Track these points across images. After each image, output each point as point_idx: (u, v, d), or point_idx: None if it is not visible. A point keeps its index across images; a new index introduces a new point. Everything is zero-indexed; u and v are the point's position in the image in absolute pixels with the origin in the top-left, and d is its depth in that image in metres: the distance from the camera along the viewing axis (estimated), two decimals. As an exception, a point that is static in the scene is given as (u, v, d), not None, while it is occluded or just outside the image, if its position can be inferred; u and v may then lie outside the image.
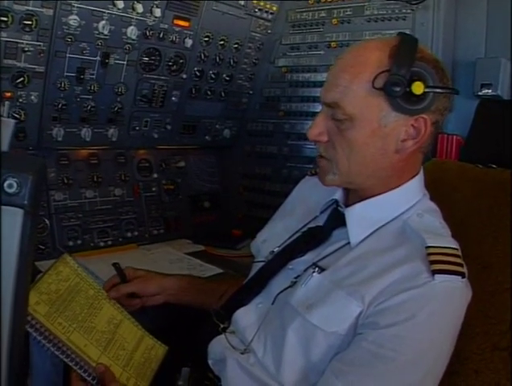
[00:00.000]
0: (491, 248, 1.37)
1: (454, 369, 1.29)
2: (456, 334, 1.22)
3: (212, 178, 2.99)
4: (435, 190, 1.38)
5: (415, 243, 1.24)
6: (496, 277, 1.31)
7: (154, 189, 2.69)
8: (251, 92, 2.86)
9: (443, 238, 1.25)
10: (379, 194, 1.33)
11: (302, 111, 2.67)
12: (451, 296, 1.18)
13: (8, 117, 2.00)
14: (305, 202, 1.59)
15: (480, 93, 2.15)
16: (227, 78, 2.70)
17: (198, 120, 2.74)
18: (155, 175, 2.70)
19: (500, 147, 1.70)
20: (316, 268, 1.32)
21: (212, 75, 2.63)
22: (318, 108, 2.56)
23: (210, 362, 1.43)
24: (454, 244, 1.25)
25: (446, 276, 1.16)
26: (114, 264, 1.73)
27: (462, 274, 1.19)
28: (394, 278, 1.19)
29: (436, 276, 1.16)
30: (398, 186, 1.33)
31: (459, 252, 1.23)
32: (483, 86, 2.15)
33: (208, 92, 2.66)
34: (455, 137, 2.17)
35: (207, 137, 2.82)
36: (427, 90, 1.21)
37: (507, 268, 1.33)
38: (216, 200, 2.97)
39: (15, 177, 0.96)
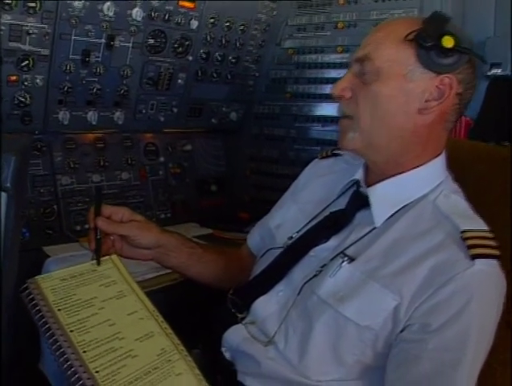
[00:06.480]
0: (505, 225, 1.35)
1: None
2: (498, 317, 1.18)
3: (219, 161, 2.98)
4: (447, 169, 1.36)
5: (448, 227, 1.20)
6: (510, 256, 1.29)
7: (160, 173, 2.68)
8: (257, 74, 2.83)
9: (475, 220, 1.22)
10: (401, 172, 1.30)
11: (309, 93, 2.65)
12: (494, 279, 1.15)
13: (14, 101, 1.99)
14: (320, 185, 1.55)
15: (489, 73, 2.12)
16: (233, 60, 2.68)
17: (204, 103, 2.71)
18: (162, 159, 2.69)
19: (510, 125, 1.68)
20: (346, 258, 1.27)
21: (218, 58, 2.60)
22: (325, 89, 2.56)
23: (223, 349, 1.39)
24: (485, 225, 1.22)
25: (486, 260, 1.13)
26: (98, 188, 1.59)
27: (498, 257, 1.15)
28: (429, 267, 1.14)
29: (477, 261, 1.12)
30: (420, 165, 1.29)
31: (492, 234, 1.19)
32: (493, 66, 2.13)
33: (214, 75, 2.64)
34: (464, 117, 2.15)
35: (213, 120, 2.81)
36: (457, 47, 1.20)
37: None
38: (223, 184, 2.96)
39: (-2, 158, 0.91)
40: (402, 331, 1.16)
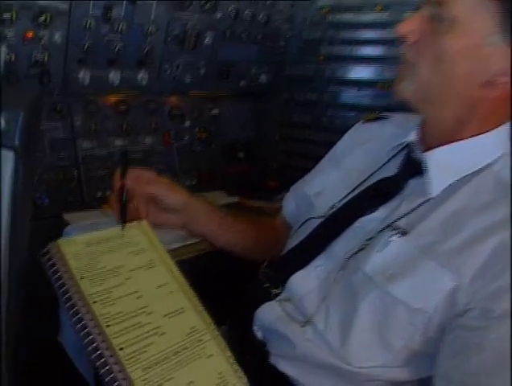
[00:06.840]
0: None
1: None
2: None
3: (248, 126, 2.85)
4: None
5: None
6: None
7: (186, 138, 2.57)
8: (289, 34, 2.67)
9: None
10: (461, 139, 1.15)
11: (344, 55, 2.48)
12: None
13: (31, 60, 1.88)
14: (365, 151, 1.41)
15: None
16: (263, 19, 2.52)
17: (233, 64, 2.57)
18: (188, 123, 2.57)
19: None
20: (396, 231, 1.14)
21: (248, 17, 2.45)
22: (362, 51, 2.40)
23: (255, 328, 1.30)
24: None
25: None
26: (124, 151, 1.51)
27: None
28: (494, 245, 1.02)
29: None
30: (482, 133, 1.14)
31: None
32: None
33: (244, 35, 2.49)
34: None
35: (242, 83, 2.66)
36: None
37: None
38: (252, 150, 2.84)
39: (4, 112, 0.83)
40: (459, 316, 1.04)
